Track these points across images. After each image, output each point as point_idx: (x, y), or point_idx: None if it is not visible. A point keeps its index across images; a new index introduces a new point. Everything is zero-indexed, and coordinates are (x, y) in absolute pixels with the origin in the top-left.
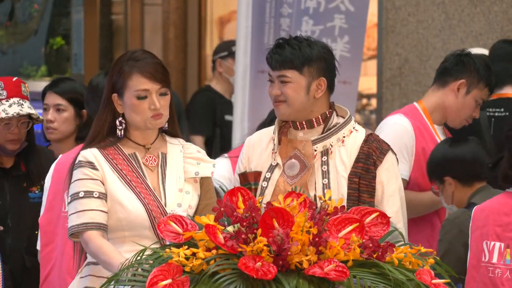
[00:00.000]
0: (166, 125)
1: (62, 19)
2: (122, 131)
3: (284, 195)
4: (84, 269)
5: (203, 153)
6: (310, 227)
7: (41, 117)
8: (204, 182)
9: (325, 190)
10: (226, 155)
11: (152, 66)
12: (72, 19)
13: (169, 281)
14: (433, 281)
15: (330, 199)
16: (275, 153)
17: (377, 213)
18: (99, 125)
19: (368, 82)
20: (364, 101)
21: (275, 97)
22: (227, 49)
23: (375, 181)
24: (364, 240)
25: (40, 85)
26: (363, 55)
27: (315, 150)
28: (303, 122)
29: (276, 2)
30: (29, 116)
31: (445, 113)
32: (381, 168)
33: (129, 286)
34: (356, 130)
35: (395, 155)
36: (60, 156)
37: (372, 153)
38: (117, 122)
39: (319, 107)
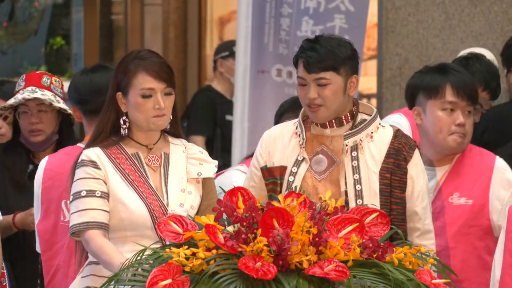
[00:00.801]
0: (168, 126)
1: (62, 19)
2: (126, 130)
3: (312, 190)
4: (85, 268)
5: (205, 154)
6: (310, 227)
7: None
8: (206, 183)
9: (357, 186)
10: (239, 167)
11: (157, 65)
12: (72, 19)
13: (169, 281)
14: (433, 281)
15: (330, 199)
16: (303, 147)
17: (377, 213)
18: (102, 123)
19: (368, 82)
20: (364, 101)
21: (311, 100)
22: (228, 49)
23: (406, 176)
24: (364, 240)
25: None
26: (363, 55)
27: (346, 145)
28: (333, 120)
29: (276, 2)
30: (59, 109)
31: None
32: (411, 163)
33: (129, 286)
34: (383, 127)
35: (420, 150)
36: (46, 158)
37: (402, 149)
38: (121, 121)
39: (349, 105)
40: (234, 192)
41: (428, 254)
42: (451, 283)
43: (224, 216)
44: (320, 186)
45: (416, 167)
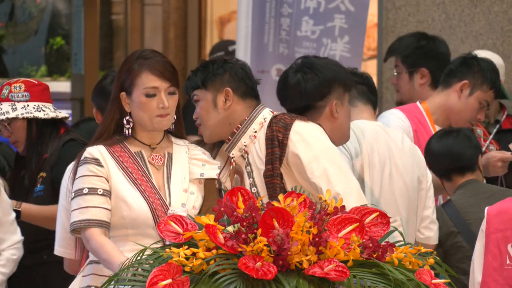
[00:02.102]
0: (172, 126)
1: (62, 19)
2: (130, 130)
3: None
4: (86, 267)
5: (208, 155)
6: (310, 227)
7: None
8: (208, 184)
9: (252, 188)
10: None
11: (161, 64)
12: (72, 19)
13: (169, 281)
14: (433, 281)
15: (330, 199)
16: (226, 176)
17: (377, 213)
18: (106, 123)
19: None
20: None
21: (196, 122)
22: (223, 48)
23: (278, 162)
24: (364, 240)
25: None
26: (363, 55)
27: (233, 157)
28: (229, 136)
29: (276, 2)
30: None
31: (448, 114)
32: (291, 143)
33: (129, 286)
34: (265, 120)
35: (304, 121)
36: (70, 165)
37: (276, 135)
38: (125, 121)
39: (236, 117)
40: (234, 192)
41: (428, 254)
42: (451, 283)
43: (224, 216)
44: None
45: (297, 143)
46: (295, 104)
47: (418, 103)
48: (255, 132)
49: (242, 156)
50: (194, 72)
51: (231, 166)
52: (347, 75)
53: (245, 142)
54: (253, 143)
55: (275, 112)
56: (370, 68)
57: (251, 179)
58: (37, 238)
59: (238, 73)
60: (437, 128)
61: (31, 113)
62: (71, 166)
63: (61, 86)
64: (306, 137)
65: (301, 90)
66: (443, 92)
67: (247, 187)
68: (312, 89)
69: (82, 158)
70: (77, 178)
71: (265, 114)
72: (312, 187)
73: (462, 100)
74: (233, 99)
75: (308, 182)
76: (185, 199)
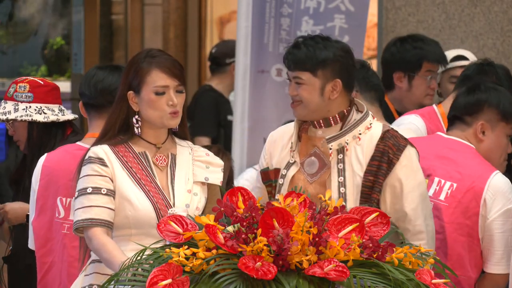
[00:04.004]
0: (177, 127)
1: (62, 19)
2: (139, 128)
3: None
4: (88, 267)
5: (211, 156)
6: (310, 227)
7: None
8: (211, 186)
9: (341, 188)
10: (256, 167)
11: (170, 62)
12: (72, 19)
13: (169, 281)
14: (433, 281)
15: (330, 199)
16: (293, 151)
17: (377, 213)
18: (111, 122)
19: None
20: None
21: (292, 97)
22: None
23: (384, 178)
24: (364, 240)
25: None
26: (363, 55)
27: (330, 148)
28: (321, 121)
29: (276, 2)
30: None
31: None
32: (399, 166)
33: (129, 286)
34: (371, 126)
35: (415, 148)
36: (45, 155)
37: (388, 151)
38: (134, 120)
39: (336, 107)
40: (234, 192)
41: (428, 254)
42: (451, 283)
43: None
44: (311, 188)
45: (405, 168)
46: None
47: (435, 106)
48: (360, 134)
49: (337, 150)
50: (297, 48)
51: (315, 148)
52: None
53: (347, 140)
54: (356, 144)
55: (383, 123)
56: None
57: (341, 177)
58: None
59: (348, 64)
60: None
61: (30, 115)
62: (39, 169)
63: (61, 86)
64: (414, 166)
65: None
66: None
67: (334, 183)
68: None
69: (86, 157)
70: (80, 178)
71: (371, 119)
72: (398, 213)
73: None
74: (340, 90)
75: (398, 207)
76: (189, 199)
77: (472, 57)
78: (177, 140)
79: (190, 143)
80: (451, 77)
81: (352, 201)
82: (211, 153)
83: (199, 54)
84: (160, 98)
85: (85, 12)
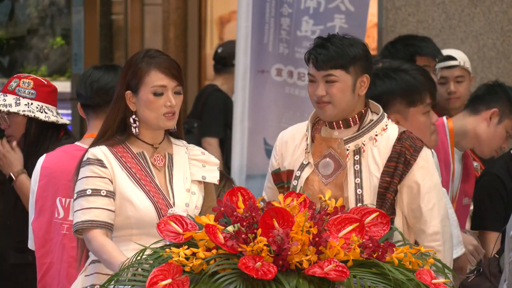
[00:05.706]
0: (175, 127)
1: (62, 19)
2: (137, 128)
3: (318, 194)
4: (88, 267)
5: (207, 155)
6: (310, 227)
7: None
8: (207, 185)
9: (357, 190)
10: None
11: (168, 62)
12: (72, 19)
13: (169, 281)
14: (433, 281)
15: (330, 199)
16: (308, 152)
17: (377, 213)
18: (109, 122)
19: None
20: None
21: (319, 97)
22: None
23: (400, 179)
24: (364, 240)
25: None
26: None
27: (347, 150)
28: (340, 122)
29: (276, 2)
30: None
31: (474, 140)
32: (416, 167)
33: (129, 286)
34: (387, 127)
35: (430, 149)
36: (44, 156)
37: (405, 152)
38: (131, 120)
39: (359, 105)
40: (234, 192)
41: (428, 254)
42: (451, 283)
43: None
44: (326, 190)
45: (422, 169)
46: None
47: (445, 118)
48: (376, 135)
49: (353, 151)
50: (323, 47)
51: (329, 149)
52: None
53: (364, 141)
54: (372, 145)
55: (398, 126)
56: None
57: (358, 179)
58: (24, 237)
59: (371, 60)
60: (455, 151)
61: (33, 112)
62: (38, 170)
63: (61, 86)
64: (431, 167)
65: None
66: (471, 118)
67: (351, 185)
68: None
69: (85, 159)
70: (79, 179)
71: (386, 121)
72: (415, 213)
73: (491, 128)
74: (367, 85)
75: (415, 207)
76: (188, 199)
77: (462, 57)
78: (172, 139)
79: (184, 142)
80: (440, 78)
81: (369, 202)
82: (206, 152)
83: (199, 54)
84: (158, 99)
85: (85, 12)
